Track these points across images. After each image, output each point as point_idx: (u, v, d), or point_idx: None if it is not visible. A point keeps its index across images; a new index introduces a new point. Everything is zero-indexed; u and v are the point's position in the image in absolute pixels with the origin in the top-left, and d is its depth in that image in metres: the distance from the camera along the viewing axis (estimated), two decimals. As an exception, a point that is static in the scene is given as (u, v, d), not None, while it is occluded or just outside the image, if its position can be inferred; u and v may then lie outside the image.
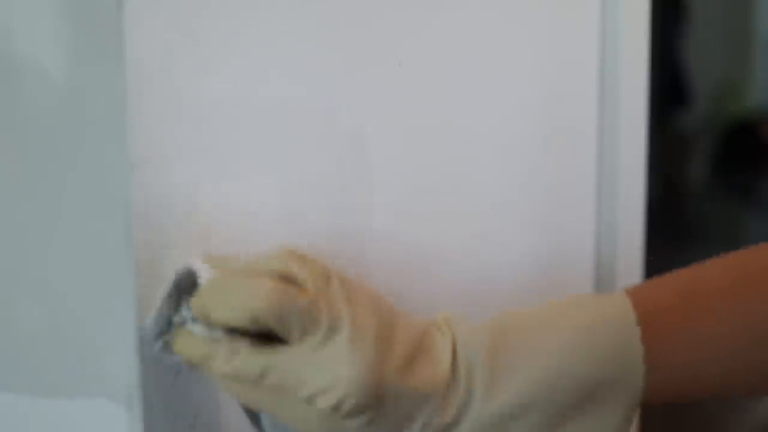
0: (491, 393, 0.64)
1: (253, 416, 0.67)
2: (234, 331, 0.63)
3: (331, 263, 0.66)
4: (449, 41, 0.80)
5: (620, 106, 0.91)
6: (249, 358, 0.62)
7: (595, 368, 0.64)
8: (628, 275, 0.94)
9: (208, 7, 0.68)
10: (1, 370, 0.70)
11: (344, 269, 0.76)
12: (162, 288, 0.65)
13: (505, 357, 0.64)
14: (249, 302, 0.61)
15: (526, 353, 0.64)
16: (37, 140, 0.66)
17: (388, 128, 0.77)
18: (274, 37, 0.71)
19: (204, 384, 0.69)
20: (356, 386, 0.61)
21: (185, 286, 0.65)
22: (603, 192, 0.92)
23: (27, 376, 0.69)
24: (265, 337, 0.63)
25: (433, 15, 0.79)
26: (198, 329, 0.63)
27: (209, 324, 0.63)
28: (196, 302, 0.63)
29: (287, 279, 0.63)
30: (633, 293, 0.67)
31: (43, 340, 0.69)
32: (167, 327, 0.65)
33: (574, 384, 0.64)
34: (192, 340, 0.64)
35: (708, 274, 0.69)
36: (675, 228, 2.71)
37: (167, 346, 0.65)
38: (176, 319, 0.65)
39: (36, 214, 0.67)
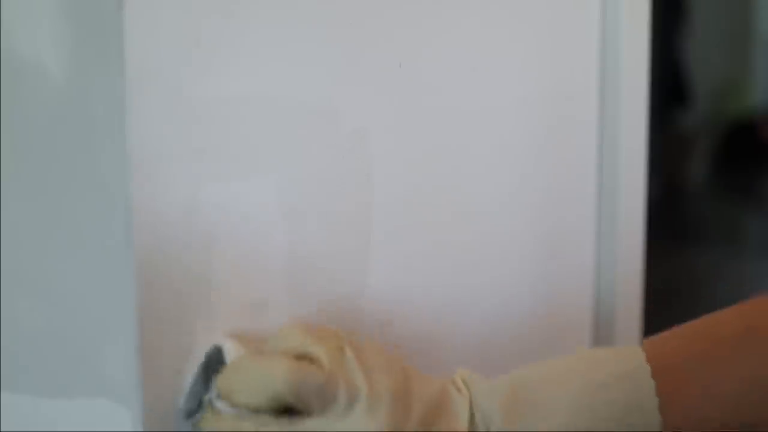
0: None
1: None
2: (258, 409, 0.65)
3: (343, 330, 0.69)
4: (449, 41, 0.80)
5: (620, 106, 0.91)
6: None
7: (612, 424, 0.66)
8: (628, 275, 0.94)
9: (208, 7, 0.68)
10: (1, 370, 0.70)
11: (344, 268, 0.76)
12: (193, 366, 0.68)
13: (521, 413, 0.66)
14: (268, 384, 0.64)
15: (543, 409, 0.66)
16: (38, 140, 0.66)
17: (389, 128, 0.77)
18: (274, 37, 0.71)
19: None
20: None
21: (214, 364, 0.67)
22: (603, 192, 0.92)
23: (27, 376, 0.69)
24: (288, 410, 0.65)
25: (434, 15, 0.79)
26: (226, 408, 0.66)
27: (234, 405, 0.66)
28: (221, 385, 0.66)
29: (304, 357, 0.66)
30: (645, 346, 0.69)
31: (43, 340, 0.69)
32: (197, 405, 0.68)
33: None
34: (220, 420, 0.66)
35: (717, 327, 0.71)
36: (675, 228, 2.71)
37: (197, 424, 0.67)
38: (206, 396, 0.67)
39: (36, 214, 0.67)
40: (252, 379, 0.65)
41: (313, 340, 0.66)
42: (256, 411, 0.65)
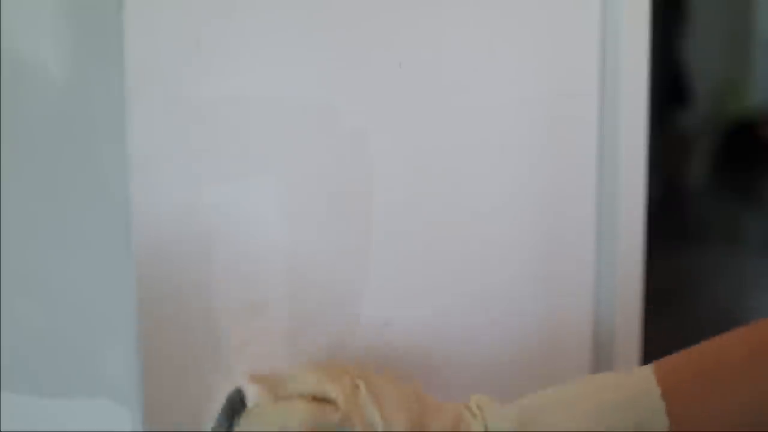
0: None
1: None
2: None
3: (356, 362, 0.72)
4: (449, 41, 0.80)
5: (620, 106, 0.91)
6: None
7: None
8: (629, 275, 0.94)
9: (208, 7, 0.68)
10: (2, 370, 0.70)
11: (344, 269, 0.76)
12: (217, 407, 0.69)
13: None
14: (285, 425, 0.67)
15: (555, 429, 0.68)
16: (38, 140, 0.66)
17: (389, 128, 0.78)
18: (274, 38, 0.71)
19: (204, 384, 0.70)
20: None
21: (235, 405, 0.69)
22: (603, 192, 0.92)
23: (27, 376, 0.69)
24: None
25: (434, 15, 0.79)
26: None
27: None
28: (243, 429, 0.68)
29: (320, 398, 0.68)
30: (656, 369, 0.71)
31: (43, 340, 0.69)
32: None
33: None
34: None
35: (726, 348, 0.73)
36: (675, 228, 2.71)
37: None
38: None
39: (36, 214, 0.67)
40: (271, 423, 0.67)
41: (327, 380, 0.69)
42: None
